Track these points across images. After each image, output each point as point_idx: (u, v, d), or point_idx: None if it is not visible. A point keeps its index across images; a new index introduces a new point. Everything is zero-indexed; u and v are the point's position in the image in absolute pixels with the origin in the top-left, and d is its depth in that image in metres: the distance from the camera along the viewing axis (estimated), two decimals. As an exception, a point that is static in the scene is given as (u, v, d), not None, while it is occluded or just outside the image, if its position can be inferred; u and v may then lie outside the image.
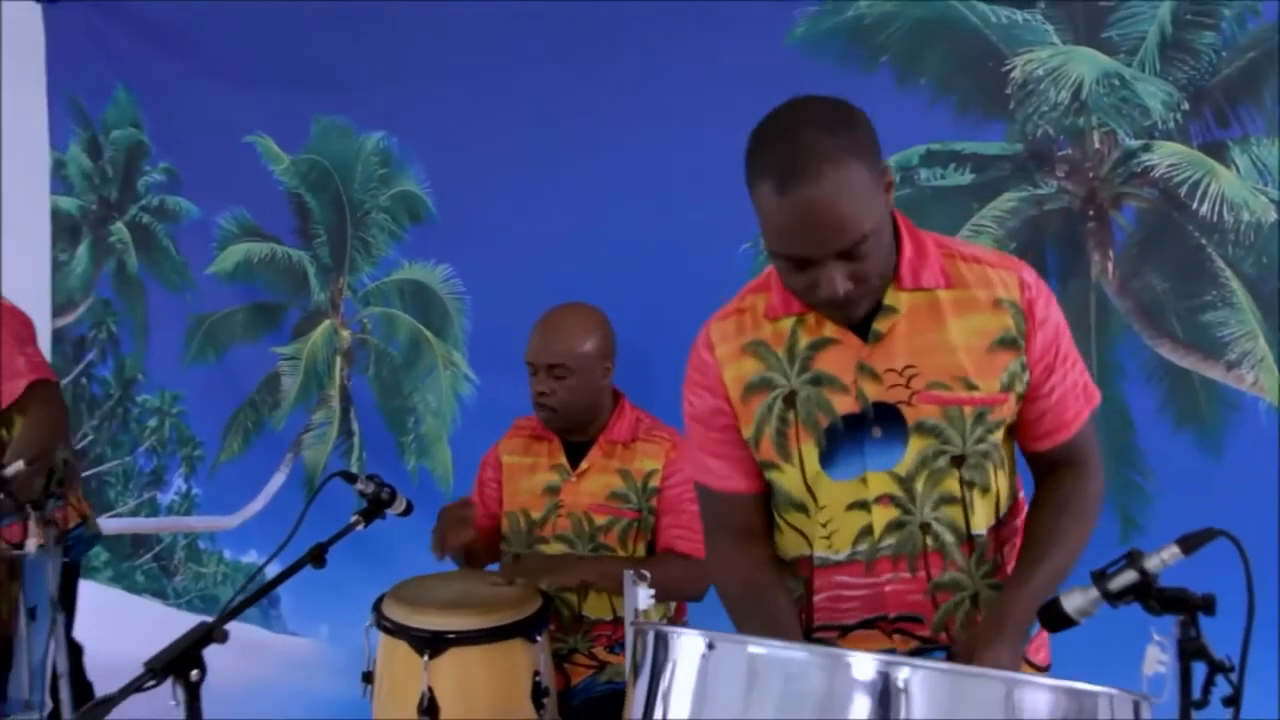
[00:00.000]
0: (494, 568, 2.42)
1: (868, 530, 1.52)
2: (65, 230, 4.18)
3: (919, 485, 1.49)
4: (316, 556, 1.74)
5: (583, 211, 3.11)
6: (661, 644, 1.19)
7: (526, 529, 2.35)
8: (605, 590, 2.26)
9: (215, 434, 3.89)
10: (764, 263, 2.92)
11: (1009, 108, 2.65)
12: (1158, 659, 1.11)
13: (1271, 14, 2.39)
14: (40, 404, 2.58)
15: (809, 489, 1.54)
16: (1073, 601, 1.15)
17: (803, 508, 1.57)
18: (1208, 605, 1.09)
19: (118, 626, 3.93)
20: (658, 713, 1.16)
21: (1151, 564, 1.12)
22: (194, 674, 1.47)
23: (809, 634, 1.59)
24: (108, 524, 4.11)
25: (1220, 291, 2.50)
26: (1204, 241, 2.50)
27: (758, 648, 1.12)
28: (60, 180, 4.18)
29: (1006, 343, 1.47)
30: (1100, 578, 1.14)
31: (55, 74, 4.13)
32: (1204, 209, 2.49)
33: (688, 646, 1.16)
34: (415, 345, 3.47)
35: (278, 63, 3.60)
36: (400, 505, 1.96)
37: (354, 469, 3.60)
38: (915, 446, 1.47)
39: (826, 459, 1.51)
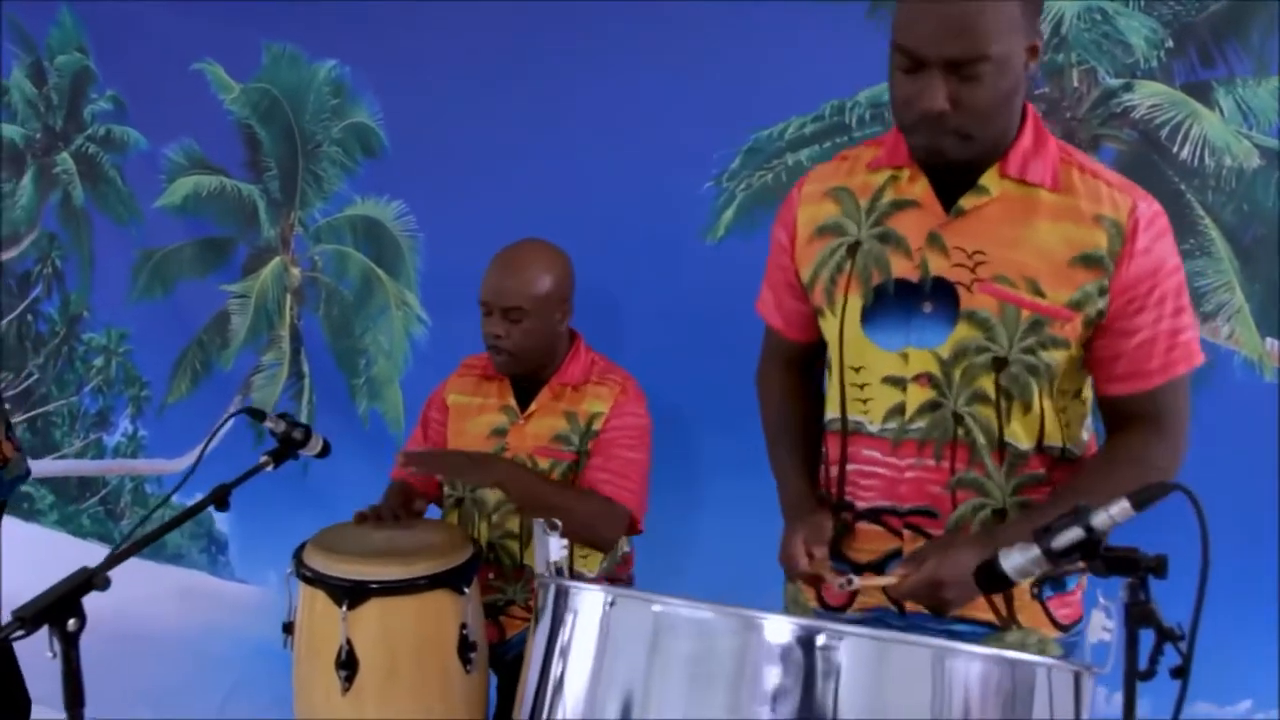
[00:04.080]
0: (434, 512, 2.32)
1: (900, 409, 1.46)
2: (9, 159, 4.00)
3: (956, 373, 1.42)
4: (219, 499, 1.62)
5: (541, 148, 2.97)
6: (562, 598, 1.09)
7: (472, 472, 2.24)
8: (515, 501, 2.15)
9: (162, 374, 3.74)
10: (725, 202, 2.82)
11: (985, 42, 2.52)
12: (1103, 625, 1.01)
13: (1263, -54, 2.27)
14: None
15: (841, 344, 1.50)
16: (1012, 560, 1.04)
17: (829, 365, 1.55)
18: (1159, 567, 0.99)
19: (64, 571, 3.83)
20: (556, 669, 1.06)
21: (1099, 520, 1.01)
22: (71, 623, 1.35)
23: (837, 508, 1.55)
24: (52, 465, 3.99)
25: (1199, 240, 2.40)
26: (1183, 187, 2.39)
27: (660, 605, 1.01)
28: (3, 107, 4.00)
29: (1092, 261, 1.37)
30: (1043, 534, 1.03)
31: (-6, -6, 3.93)
32: (1184, 152, 2.38)
33: (589, 602, 1.06)
34: (367, 284, 3.34)
35: (228, -15, 3.43)
36: (315, 446, 1.85)
37: (304, 412, 3.48)
38: (960, 334, 1.41)
39: (868, 317, 1.46)
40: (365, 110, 3.26)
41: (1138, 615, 0.97)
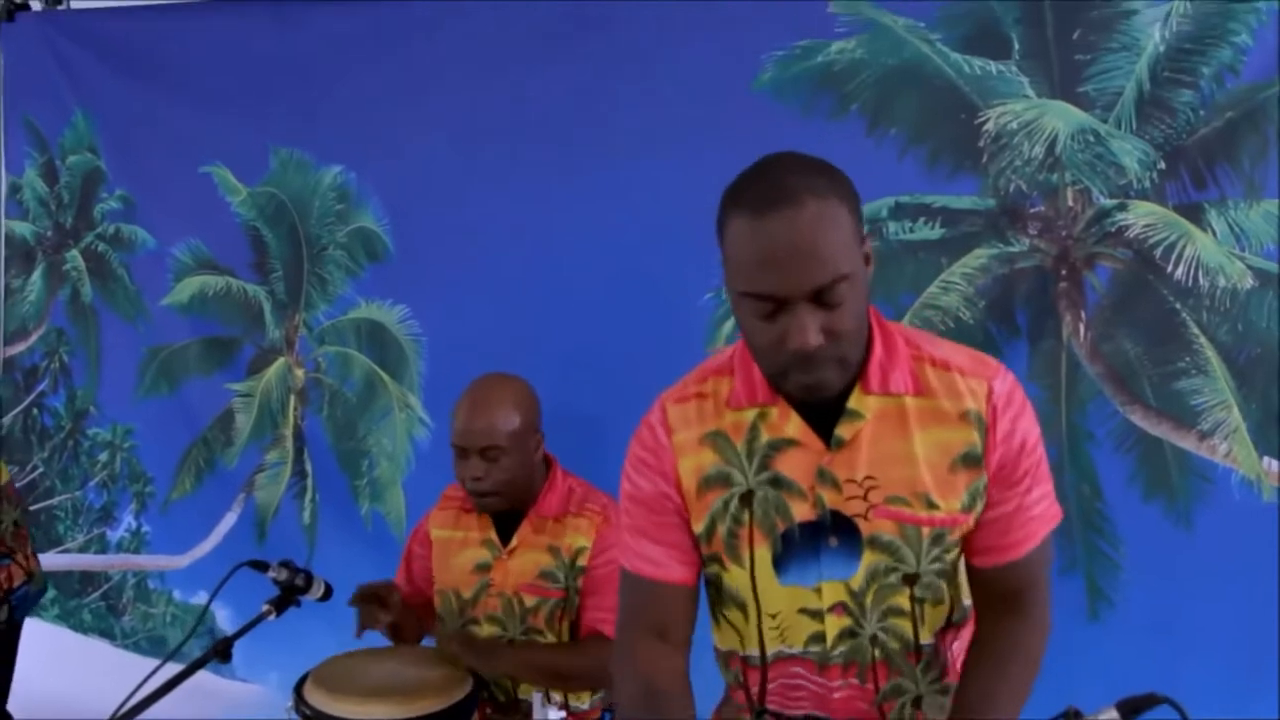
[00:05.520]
0: (429, 642, 2.30)
1: (820, 636, 1.46)
2: (19, 256, 4.06)
3: (868, 599, 1.42)
4: (222, 651, 1.62)
5: (542, 257, 3.00)
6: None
7: (459, 609, 2.24)
8: (529, 682, 2.14)
9: (167, 470, 3.75)
10: (725, 314, 2.83)
11: (981, 161, 2.55)
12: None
13: (1250, 75, 2.31)
14: None
15: (755, 593, 1.47)
16: (1004, 762, 1.05)
17: (743, 609, 1.50)
18: (1151, 777, 0.99)
19: (64, 667, 3.80)
20: None
21: (1089, 730, 1.02)
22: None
23: (759, 714, 1.53)
24: (55, 559, 3.99)
25: (1194, 358, 2.41)
26: (1178, 306, 2.41)
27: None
28: (15, 205, 4.06)
29: (970, 460, 1.37)
30: (1034, 739, 1.04)
31: (11, 95, 4.00)
32: (1179, 272, 2.40)
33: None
34: (370, 386, 3.36)
35: (238, 92, 3.49)
36: (318, 590, 1.85)
37: (306, 512, 3.49)
38: (868, 561, 1.40)
39: (780, 564, 1.43)
40: (370, 215, 3.31)
41: (1131, 825, 0.98)
